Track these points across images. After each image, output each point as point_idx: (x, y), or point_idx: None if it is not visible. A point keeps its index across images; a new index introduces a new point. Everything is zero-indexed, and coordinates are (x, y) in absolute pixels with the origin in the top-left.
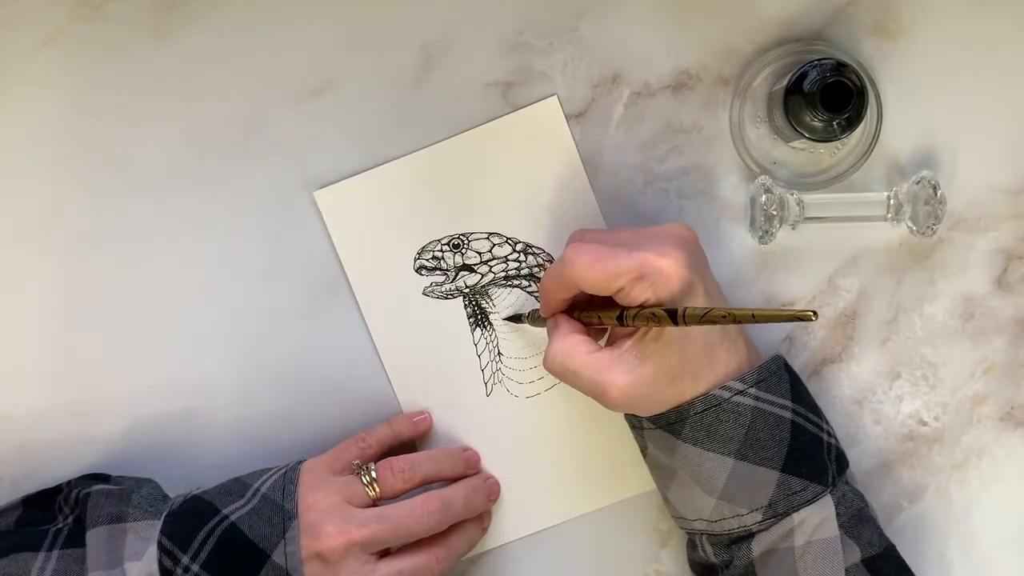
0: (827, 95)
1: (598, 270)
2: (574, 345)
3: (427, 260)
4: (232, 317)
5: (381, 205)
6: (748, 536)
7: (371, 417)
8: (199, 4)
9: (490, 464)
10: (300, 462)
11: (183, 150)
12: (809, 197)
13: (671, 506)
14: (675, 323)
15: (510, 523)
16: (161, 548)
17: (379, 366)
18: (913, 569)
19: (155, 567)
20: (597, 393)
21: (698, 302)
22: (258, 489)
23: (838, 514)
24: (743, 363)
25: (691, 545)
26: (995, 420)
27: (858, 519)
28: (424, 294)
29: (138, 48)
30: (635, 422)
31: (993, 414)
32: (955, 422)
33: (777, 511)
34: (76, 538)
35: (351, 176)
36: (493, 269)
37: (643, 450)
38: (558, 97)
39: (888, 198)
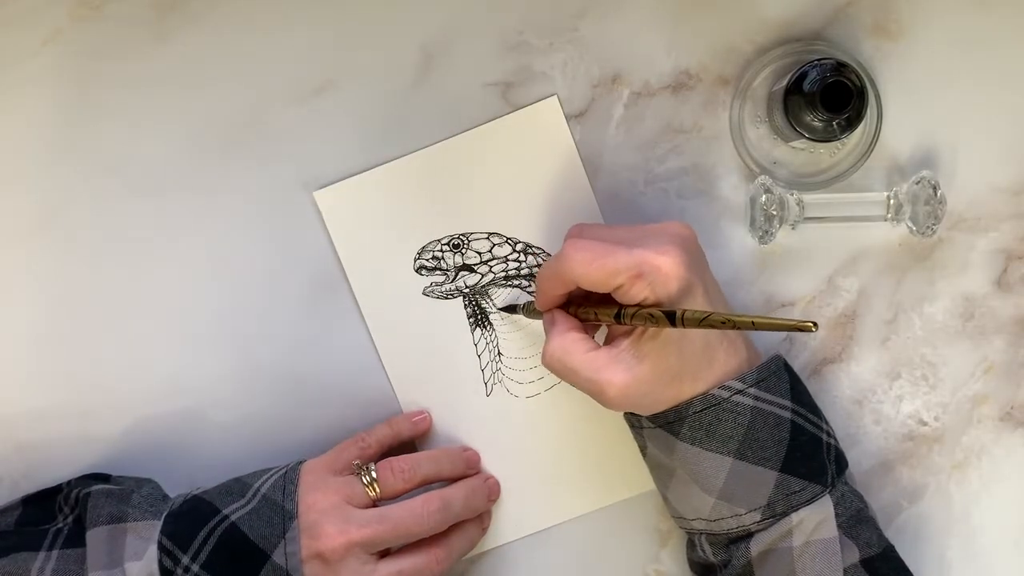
0: (827, 95)
1: (596, 268)
2: (572, 343)
3: (427, 260)
4: (232, 317)
5: (381, 205)
6: (747, 536)
7: (371, 417)
8: (199, 4)
9: (490, 464)
10: (300, 462)
11: (183, 150)
12: (809, 197)
13: (670, 506)
14: (673, 325)
15: (510, 523)
16: (161, 548)
17: (379, 366)
18: (913, 569)
19: (155, 567)
20: (595, 392)
21: (697, 302)
22: (258, 489)
23: (837, 514)
24: (742, 363)
25: (690, 545)
26: (995, 420)
27: (857, 520)
28: (424, 294)
29: (138, 48)
30: (634, 421)
31: (993, 414)
32: (955, 422)
33: (776, 511)
34: (76, 538)
35: (351, 176)
36: (493, 269)
37: (643, 449)
38: (558, 97)
39: (888, 198)
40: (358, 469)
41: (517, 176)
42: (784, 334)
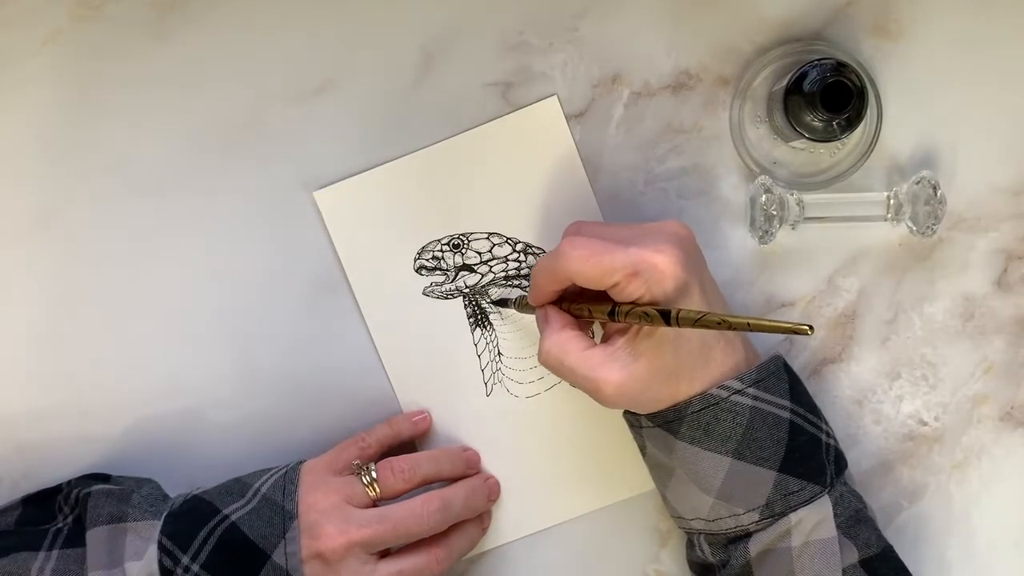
0: (827, 95)
1: (593, 265)
2: (567, 341)
3: (427, 260)
4: (232, 317)
5: (381, 205)
6: (745, 536)
7: (371, 417)
8: (199, 4)
9: (490, 464)
10: (300, 462)
11: (183, 150)
12: (809, 197)
13: (669, 505)
14: (668, 324)
15: (510, 523)
16: (161, 548)
17: (379, 366)
18: (913, 569)
19: (155, 567)
20: (591, 389)
21: (693, 301)
22: (258, 489)
23: (836, 515)
24: (740, 362)
25: (689, 545)
26: (995, 420)
27: (856, 520)
28: (424, 294)
29: (138, 48)
30: (633, 421)
31: (993, 414)
32: (955, 422)
33: (774, 511)
34: (76, 538)
35: (351, 176)
36: (493, 269)
37: (642, 449)
38: (558, 97)
39: (888, 198)
40: (358, 469)
41: (517, 176)
42: (784, 335)
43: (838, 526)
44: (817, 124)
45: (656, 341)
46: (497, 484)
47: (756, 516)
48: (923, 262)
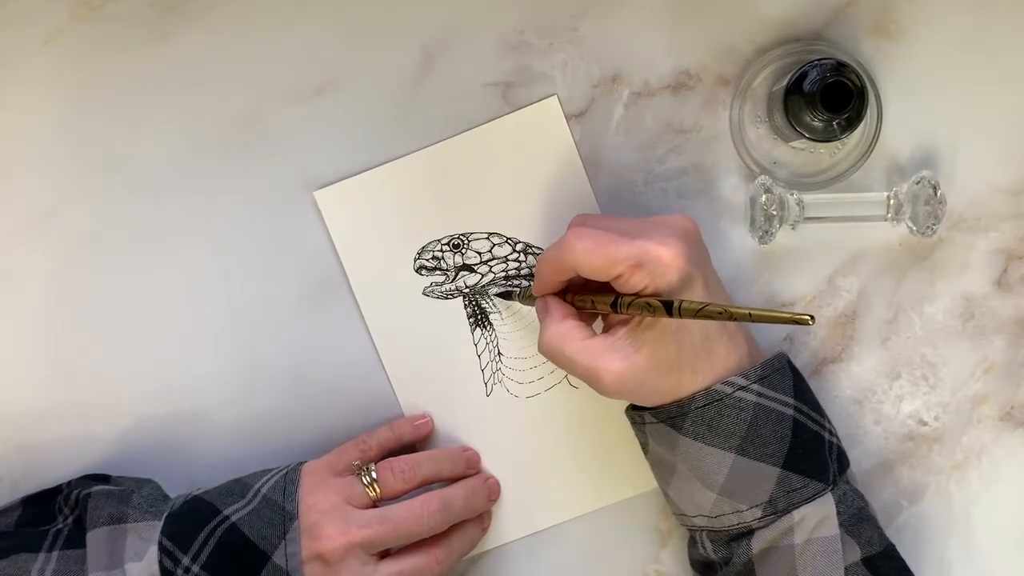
0: (827, 95)
1: (597, 256)
2: (568, 330)
3: (427, 260)
4: (232, 317)
5: (381, 205)
6: (748, 533)
7: (371, 417)
8: (199, 4)
9: (490, 464)
10: (301, 463)
11: (183, 150)
12: (809, 197)
13: (672, 502)
14: (670, 315)
15: (510, 523)
16: (162, 549)
17: (379, 366)
18: (913, 569)
19: (156, 568)
20: (590, 379)
21: (697, 294)
22: (259, 490)
23: (839, 512)
24: (743, 358)
25: (691, 542)
26: (995, 420)
27: (859, 518)
28: (424, 294)
29: (138, 48)
30: (636, 417)
31: (993, 414)
32: (955, 422)
33: (777, 508)
34: (76, 539)
35: (351, 176)
36: (493, 269)
37: (644, 446)
38: (558, 97)
39: (888, 198)
40: (358, 470)
41: (517, 176)
42: (784, 334)
43: (841, 524)
44: (817, 124)
45: (658, 332)
46: (497, 484)
47: (759, 513)
48: (923, 262)
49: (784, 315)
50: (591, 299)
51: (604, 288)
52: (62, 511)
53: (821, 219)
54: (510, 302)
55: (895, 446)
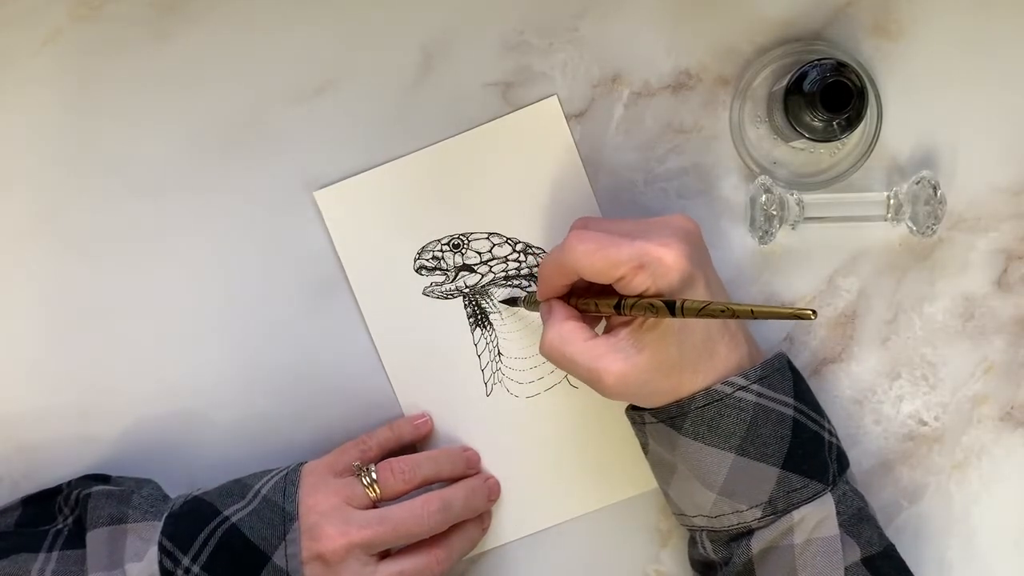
0: (827, 95)
1: (599, 258)
2: (569, 331)
3: (427, 260)
4: (232, 317)
5: (381, 205)
6: (747, 533)
7: (371, 417)
8: (199, 4)
9: (490, 464)
10: (301, 464)
11: (183, 150)
12: (809, 197)
13: (672, 502)
14: (673, 314)
15: (510, 523)
16: (162, 549)
17: (379, 366)
18: (913, 569)
19: (156, 568)
20: (592, 380)
21: (698, 294)
22: (259, 491)
23: (838, 513)
24: (744, 358)
25: (692, 542)
26: (995, 420)
27: (858, 518)
28: (424, 294)
29: (138, 48)
30: (636, 417)
31: (993, 414)
32: (955, 422)
33: (777, 508)
34: (76, 539)
35: (351, 176)
36: (493, 269)
37: (644, 446)
38: (558, 97)
39: (888, 198)
40: (358, 470)
41: (517, 176)
42: (784, 334)
43: (840, 524)
44: (817, 124)
45: (660, 333)
46: (497, 484)
47: (759, 513)
48: (923, 262)
49: (786, 311)
50: (594, 302)
51: (607, 291)
52: (62, 511)
53: (821, 219)
54: (514, 307)
55: (895, 446)
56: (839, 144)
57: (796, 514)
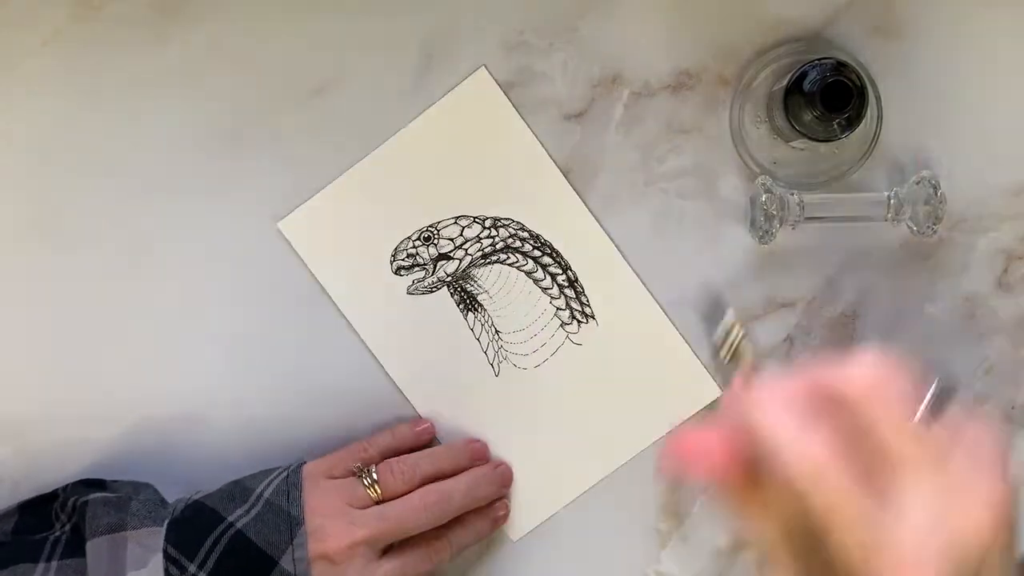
0: (827, 95)
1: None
2: None
3: (403, 260)
4: (232, 319)
5: (344, 219)
6: None
7: (371, 418)
8: (199, 4)
9: (508, 446)
10: (301, 464)
11: (183, 150)
12: (809, 197)
13: None
14: None
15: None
16: (167, 557)
17: (379, 366)
18: None
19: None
20: None
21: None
22: (261, 494)
23: None
24: None
25: None
26: (995, 420)
27: None
28: (409, 293)
29: (138, 48)
30: None
31: (993, 414)
32: None
33: None
34: (75, 548)
35: (310, 198)
36: (469, 251)
37: None
38: (486, 67)
39: (888, 198)
40: (359, 472)
41: (467, 154)
42: (784, 334)
43: None
44: (817, 124)
45: None
46: (509, 470)
47: None
48: (923, 262)
49: None
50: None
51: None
52: (59, 518)
53: (821, 219)
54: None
55: None
56: (839, 144)
57: None
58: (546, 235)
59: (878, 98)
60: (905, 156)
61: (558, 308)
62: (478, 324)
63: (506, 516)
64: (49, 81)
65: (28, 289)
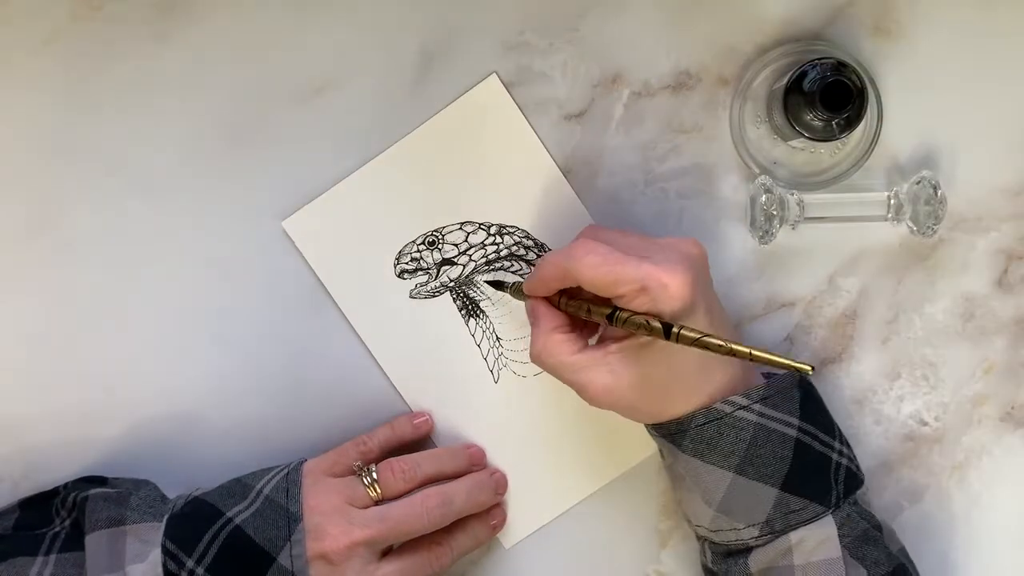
0: (827, 95)
1: (603, 273)
2: (556, 344)
3: (407, 263)
4: (231, 318)
5: (349, 221)
6: (745, 550)
7: (371, 418)
8: (199, 4)
9: (504, 454)
10: (301, 462)
11: (183, 150)
12: (809, 197)
13: (680, 507)
14: (667, 339)
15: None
16: (165, 551)
17: (378, 367)
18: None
19: (159, 570)
20: (577, 390)
21: (698, 324)
22: (260, 491)
23: (841, 535)
24: (738, 381)
25: (700, 549)
26: (995, 420)
27: (863, 540)
28: (412, 297)
29: (138, 48)
30: (647, 428)
31: (993, 414)
32: (955, 422)
33: (774, 528)
34: (73, 542)
35: (316, 197)
36: (473, 257)
37: (659, 451)
38: (497, 74)
39: (888, 198)
40: (359, 470)
41: (475, 160)
42: (784, 334)
43: (844, 546)
44: (817, 124)
45: (650, 352)
46: (504, 477)
47: (755, 532)
48: (923, 262)
49: (785, 361)
50: (587, 306)
51: (602, 298)
52: (59, 514)
53: (821, 219)
54: (500, 292)
55: (895, 446)
56: (839, 144)
57: (794, 535)
58: (551, 244)
59: (878, 98)
60: (905, 156)
61: None
62: (479, 330)
63: (503, 523)
64: (49, 81)
65: (27, 288)
